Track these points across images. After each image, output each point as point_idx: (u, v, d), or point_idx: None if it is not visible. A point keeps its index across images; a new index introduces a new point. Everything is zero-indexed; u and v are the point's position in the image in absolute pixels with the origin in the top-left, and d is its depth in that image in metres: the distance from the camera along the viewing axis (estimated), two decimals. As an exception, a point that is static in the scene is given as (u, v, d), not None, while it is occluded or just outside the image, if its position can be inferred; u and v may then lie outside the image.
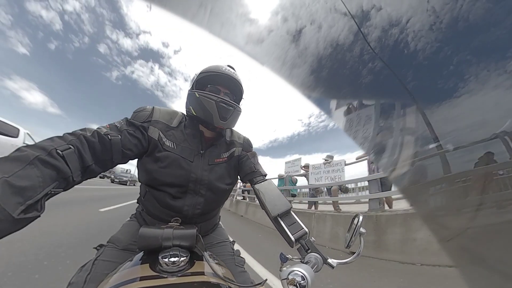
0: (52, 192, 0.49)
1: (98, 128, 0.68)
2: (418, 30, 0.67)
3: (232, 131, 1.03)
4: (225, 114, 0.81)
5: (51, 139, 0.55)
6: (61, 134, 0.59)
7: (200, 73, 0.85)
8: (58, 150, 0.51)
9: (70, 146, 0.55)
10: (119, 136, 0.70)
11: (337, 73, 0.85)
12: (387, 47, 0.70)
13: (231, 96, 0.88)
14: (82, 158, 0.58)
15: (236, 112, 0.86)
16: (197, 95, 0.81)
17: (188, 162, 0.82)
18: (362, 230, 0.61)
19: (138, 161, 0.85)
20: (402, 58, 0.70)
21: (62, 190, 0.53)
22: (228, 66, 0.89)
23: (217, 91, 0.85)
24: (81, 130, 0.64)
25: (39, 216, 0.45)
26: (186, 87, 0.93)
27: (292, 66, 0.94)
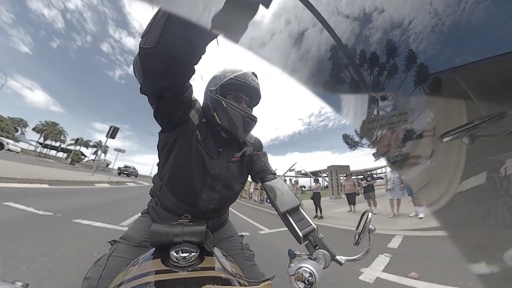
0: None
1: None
2: (419, 32, 0.67)
3: None
4: (247, 128, 0.84)
5: None
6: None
7: (228, 77, 0.83)
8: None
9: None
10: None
11: (338, 74, 0.86)
12: (388, 49, 0.71)
13: (250, 104, 0.91)
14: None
15: (255, 123, 0.89)
16: (225, 105, 0.80)
17: (210, 158, 0.83)
18: (371, 227, 0.60)
19: (163, 150, 0.85)
20: (403, 59, 0.71)
21: None
22: (253, 73, 0.88)
23: (239, 98, 0.87)
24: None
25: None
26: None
27: (295, 63, 0.95)
